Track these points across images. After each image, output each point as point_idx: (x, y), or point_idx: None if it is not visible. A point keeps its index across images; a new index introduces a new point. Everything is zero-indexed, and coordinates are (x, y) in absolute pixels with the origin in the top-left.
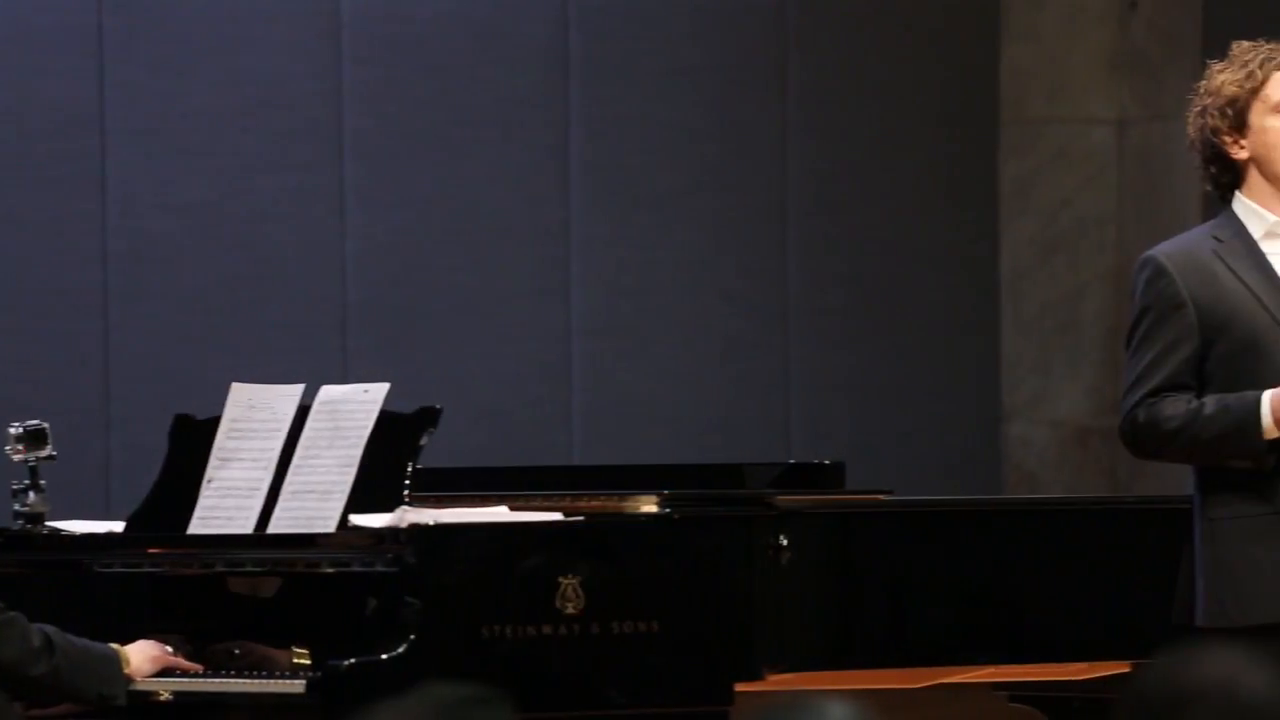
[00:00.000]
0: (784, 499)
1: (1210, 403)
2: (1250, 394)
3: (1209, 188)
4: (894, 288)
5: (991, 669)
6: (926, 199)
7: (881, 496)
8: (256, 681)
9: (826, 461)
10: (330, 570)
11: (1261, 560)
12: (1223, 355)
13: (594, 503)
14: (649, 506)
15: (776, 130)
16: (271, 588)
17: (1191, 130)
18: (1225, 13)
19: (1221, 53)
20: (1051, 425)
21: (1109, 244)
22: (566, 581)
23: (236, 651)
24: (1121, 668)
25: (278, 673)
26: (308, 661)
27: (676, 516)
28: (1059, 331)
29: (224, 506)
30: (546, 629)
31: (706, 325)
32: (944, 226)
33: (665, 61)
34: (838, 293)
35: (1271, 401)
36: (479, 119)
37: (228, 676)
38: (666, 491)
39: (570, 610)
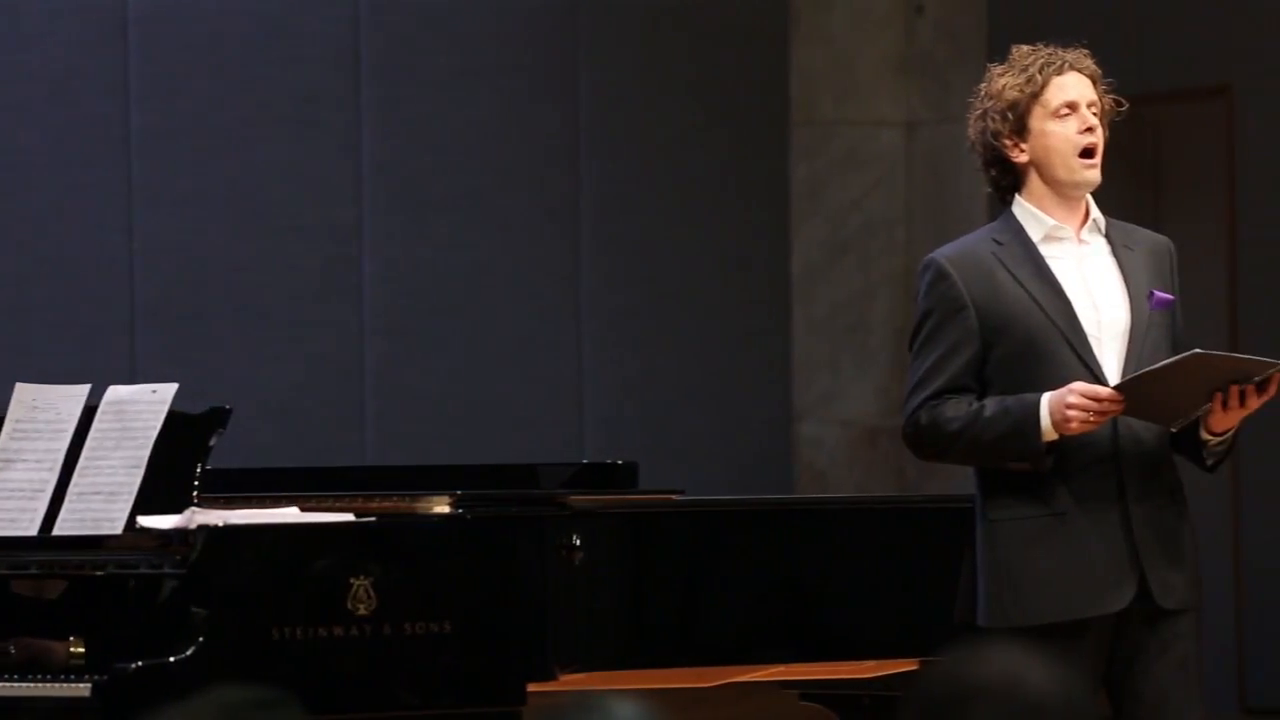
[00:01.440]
0: (577, 499)
1: (991, 405)
2: (1030, 396)
3: (988, 190)
4: (686, 288)
5: (782, 667)
6: (718, 200)
7: (674, 496)
8: (41, 685)
9: (619, 462)
10: (117, 572)
11: (1040, 561)
12: (1003, 358)
13: (386, 503)
14: (441, 507)
15: (569, 131)
16: (57, 590)
17: (972, 133)
18: (1010, 16)
19: (1007, 55)
20: (841, 425)
21: (898, 245)
22: (358, 582)
23: (12, 650)
24: (910, 665)
25: (62, 676)
26: (81, 650)
27: (469, 517)
28: (849, 332)
29: (7, 508)
30: (338, 630)
31: (499, 325)
32: (735, 228)
33: (457, 61)
34: (630, 293)
35: (1050, 404)
36: (269, 117)
37: (10, 681)
38: (459, 492)
39: (362, 611)
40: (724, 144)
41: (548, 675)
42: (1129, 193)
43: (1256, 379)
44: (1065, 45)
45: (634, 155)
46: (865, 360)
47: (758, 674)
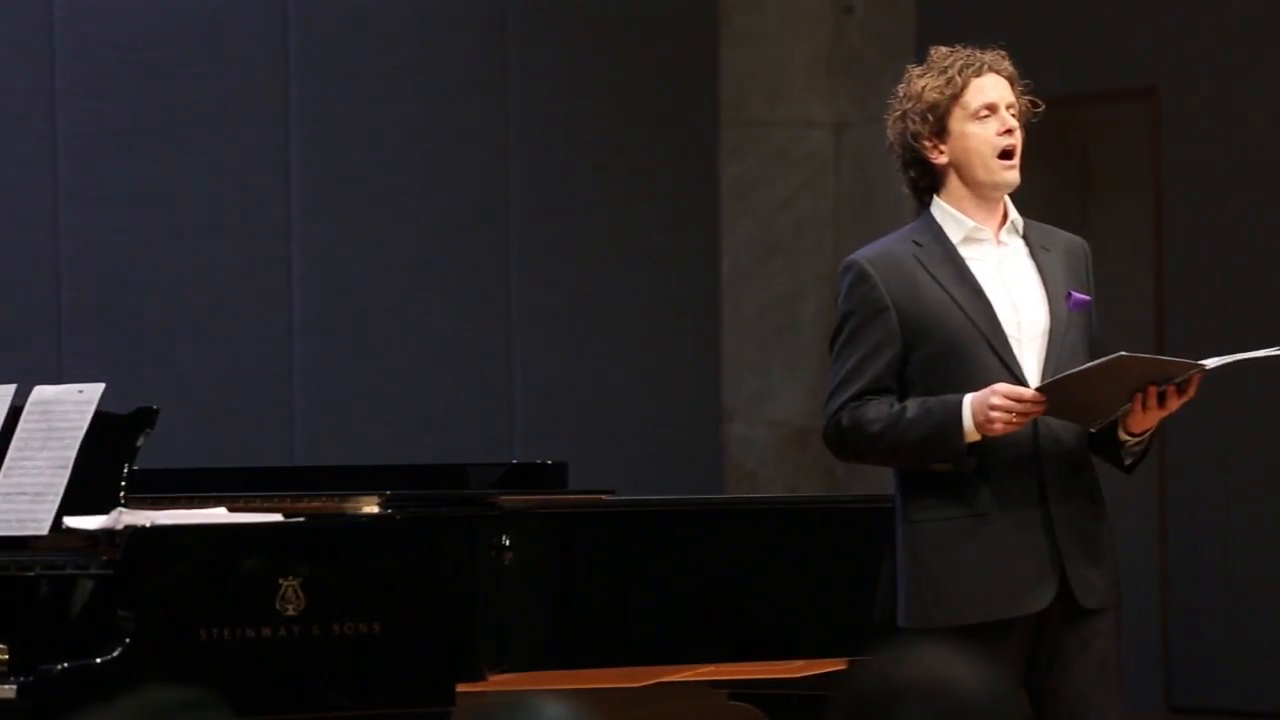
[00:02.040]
0: (507, 499)
1: (912, 406)
2: (951, 397)
3: (906, 191)
4: (616, 288)
5: (711, 667)
6: (648, 200)
7: (604, 496)
8: None
9: (549, 462)
10: (44, 573)
11: (961, 562)
12: (924, 359)
13: (315, 504)
14: (371, 507)
15: (499, 130)
16: None
17: (891, 134)
18: (938, 17)
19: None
20: (771, 425)
21: (827, 245)
22: (287, 583)
23: None
24: (838, 665)
25: None
26: (6, 657)
27: (398, 517)
28: (778, 332)
29: None
30: (266, 631)
31: (429, 325)
32: (665, 228)
33: (386, 60)
34: (560, 293)
35: (972, 405)
36: (197, 117)
37: None
38: (389, 492)
39: (290, 612)
40: (653, 144)
41: (477, 675)
42: (1056, 193)
43: (1177, 380)
44: (985, 47)
45: (563, 155)
46: (795, 360)
47: (687, 674)
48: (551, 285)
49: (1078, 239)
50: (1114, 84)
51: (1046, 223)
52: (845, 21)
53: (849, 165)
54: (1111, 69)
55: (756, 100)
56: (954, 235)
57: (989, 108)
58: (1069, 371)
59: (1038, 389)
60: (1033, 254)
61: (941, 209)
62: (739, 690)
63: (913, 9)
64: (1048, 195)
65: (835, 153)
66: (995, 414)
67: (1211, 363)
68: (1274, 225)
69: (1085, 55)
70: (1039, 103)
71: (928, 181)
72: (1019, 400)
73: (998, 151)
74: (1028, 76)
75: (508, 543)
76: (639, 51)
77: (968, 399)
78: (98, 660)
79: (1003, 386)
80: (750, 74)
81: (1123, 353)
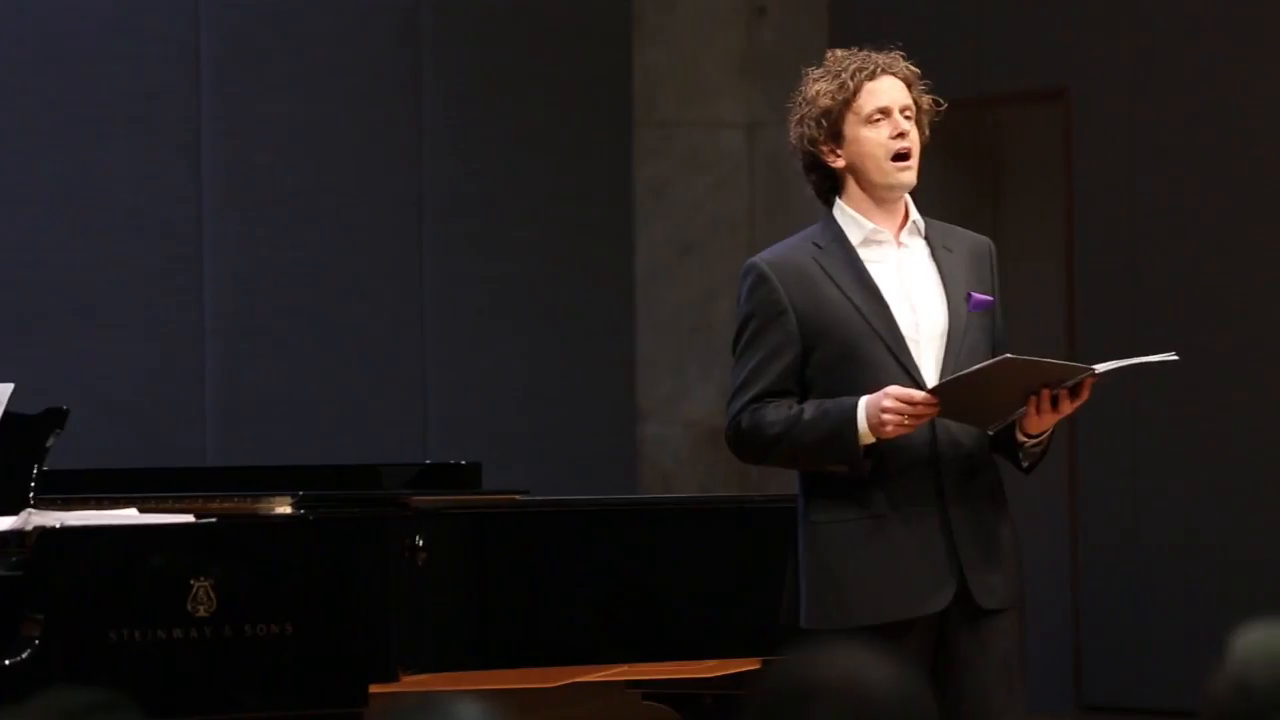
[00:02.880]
0: (420, 500)
1: (810, 408)
2: (847, 400)
3: (811, 193)
4: (530, 289)
5: (625, 667)
6: (562, 200)
7: (518, 497)
8: None
9: (463, 462)
10: None
11: (860, 564)
12: (822, 362)
13: (227, 504)
14: (283, 508)
15: (412, 130)
16: None
17: (792, 138)
18: (851, 18)
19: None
20: (685, 425)
21: (741, 245)
22: (198, 584)
23: None
24: (752, 665)
25: None
26: None
27: (311, 518)
28: (692, 332)
29: None
30: (177, 632)
31: (342, 326)
32: (579, 228)
33: (298, 60)
34: (474, 293)
35: (867, 408)
36: (107, 115)
37: None
38: (301, 493)
39: (202, 613)
40: (567, 144)
41: (390, 676)
42: (968, 194)
43: (1068, 383)
44: (892, 48)
45: (477, 155)
46: (709, 360)
47: (601, 674)
48: (466, 285)
49: (983, 239)
50: (1025, 85)
51: (957, 224)
52: (758, 22)
53: (763, 165)
54: (1023, 70)
55: (670, 100)
56: (854, 237)
57: (882, 111)
58: (959, 373)
59: (930, 391)
60: (934, 255)
61: (842, 211)
62: (653, 690)
63: (825, 10)
64: (959, 196)
65: (749, 152)
66: (887, 416)
67: (1102, 367)
68: (1183, 227)
69: (997, 56)
70: (941, 102)
71: (829, 184)
72: (911, 402)
73: (891, 155)
74: (939, 78)
75: (421, 543)
76: (553, 52)
77: (862, 401)
78: (6, 662)
79: (895, 389)
80: (664, 74)
81: (1009, 354)
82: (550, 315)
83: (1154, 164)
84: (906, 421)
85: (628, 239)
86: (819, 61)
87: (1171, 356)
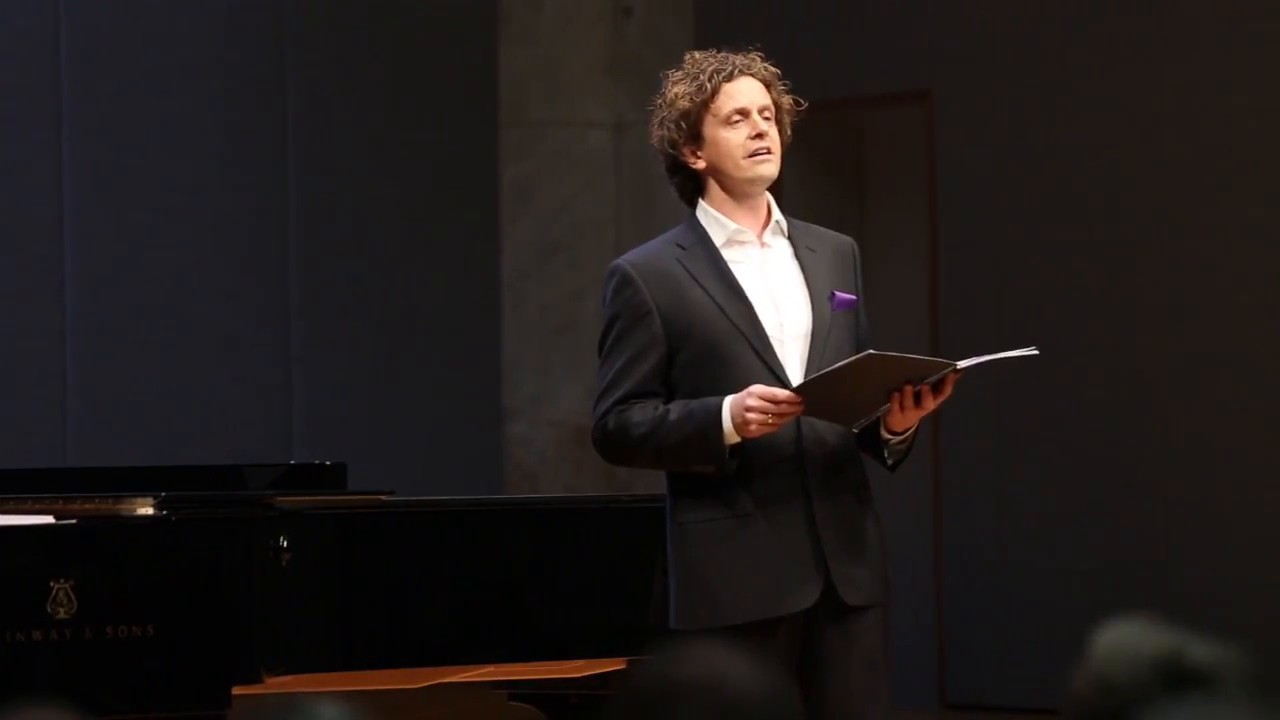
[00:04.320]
0: (285, 500)
1: (675, 409)
2: (712, 400)
3: (675, 195)
4: (396, 289)
5: (491, 668)
6: (428, 200)
7: (383, 497)
8: None
9: (328, 462)
10: None
11: (727, 563)
12: (687, 362)
13: (88, 505)
14: (145, 509)
15: (277, 128)
16: None
17: (654, 140)
18: (716, 19)
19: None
20: (551, 425)
21: (607, 245)
22: (58, 585)
23: None
24: (618, 665)
25: None
26: None
27: (174, 519)
28: (559, 332)
29: None
30: (37, 634)
31: (206, 325)
32: (445, 228)
33: (160, 57)
34: (340, 293)
35: (731, 407)
36: None
37: None
38: (163, 493)
39: (62, 615)
40: (433, 144)
41: (254, 678)
42: (833, 194)
43: (931, 380)
44: (753, 50)
45: (342, 154)
46: (575, 361)
47: (467, 675)
48: (331, 285)
49: (846, 238)
50: (889, 87)
51: (822, 224)
52: (624, 23)
53: (629, 165)
54: (887, 72)
55: (536, 101)
56: (717, 238)
57: (740, 112)
58: (823, 371)
59: (794, 389)
60: (797, 254)
61: (705, 212)
62: (519, 690)
63: (691, 11)
64: (823, 197)
65: (615, 153)
66: (751, 415)
67: (964, 363)
68: (1046, 226)
69: (861, 58)
70: (801, 102)
71: (692, 186)
72: (774, 401)
73: (748, 155)
74: (804, 80)
75: (285, 544)
76: (418, 52)
77: (727, 401)
78: None
79: (759, 388)
80: (530, 74)
81: (871, 351)
82: (416, 315)
83: (1016, 165)
84: (771, 420)
85: (494, 239)
86: (684, 63)
87: (1032, 351)
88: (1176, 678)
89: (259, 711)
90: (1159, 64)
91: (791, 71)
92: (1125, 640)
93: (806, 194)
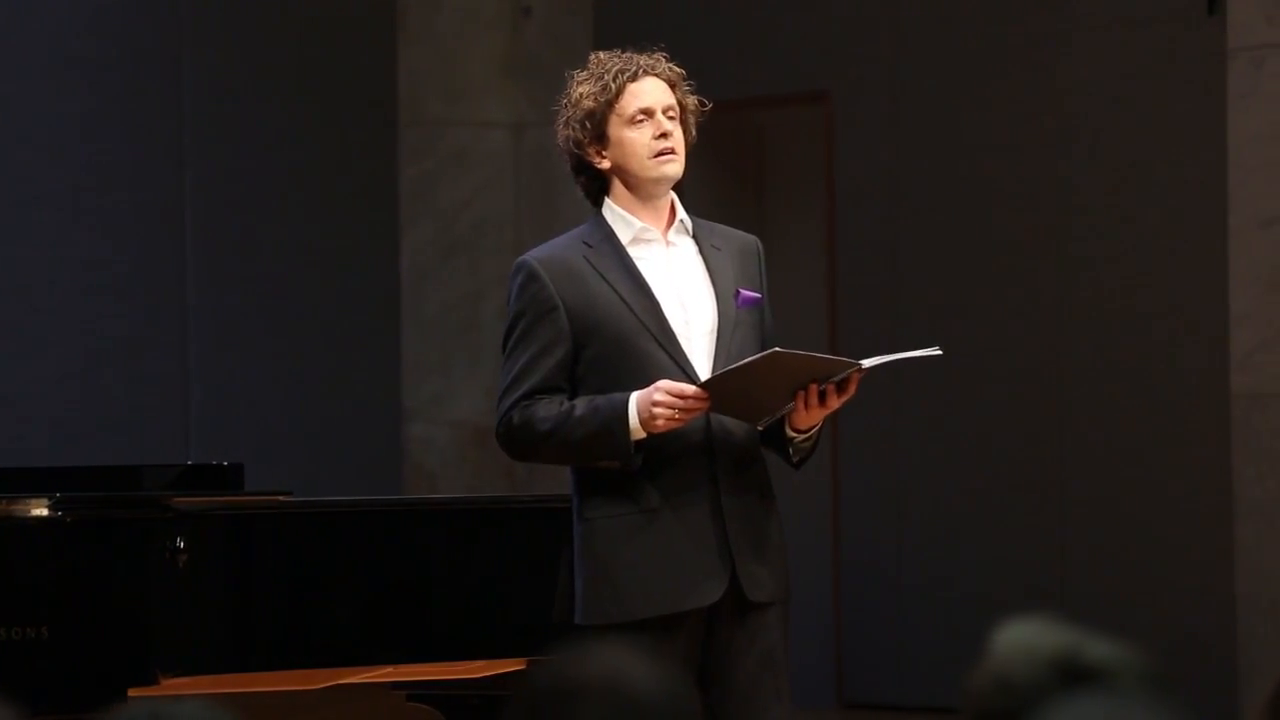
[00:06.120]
0: (182, 501)
1: (581, 405)
2: (618, 395)
3: (578, 194)
4: (295, 288)
5: (390, 668)
6: (326, 200)
7: (282, 498)
8: None
9: (225, 463)
10: None
11: (633, 558)
12: (594, 358)
13: None
14: (39, 510)
15: (173, 127)
16: None
17: (559, 140)
18: (616, 19)
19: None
20: (451, 425)
21: (507, 245)
22: None
23: None
24: (518, 665)
25: None
26: None
27: (68, 520)
28: (459, 332)
29: None
30: None
31: (102, 324)
32: (344, 228)
33: (56, 53)
34: (238, 293)
35: (638, 403)
36: None
37: None
38: (58, 494)
39: None
40: (332, 143)
41: (150, 680)
42: (732, 194)
43: (835, 378)
44: (654, 50)
45: (240, 153)
46: (475, 360)
47: (365, 675)
48: (228, 285)
49: (750, 237)
50: (788, 88)
51: (722, 223)
52: (524, 23)
53: (528, 165)
54: (785, 73)
55: (435, 100)
56: (623, 236)
57: (645, 112)
58: (728, 368)
59: (700, 385)
60: (702, 253)
61: (611, 210)
62: (418, 691)
63: (590, 11)
64: (723, 196)
65: (515, 153)
66: (658, 410)
67: (869, 362)
68: (942, 227)
69: (760, 59)
70: (706, 102)
71: (597, 185)
72: (681, 396)
73: (652, 155)
74: (704, 80)
75: (182, 545)
76: (316, 50)
77: (634, 396)
78: None
79: (665, 383)
80: (428, 74)
81: (777, 349)
82: (314, 315)
83: (914, 165)
84: (678, 416)
85: (393, 239)
86: (584, 63)
87: (936, 351)
88: (1074, 676)
89: (118, 714)
90: (1056, 65)
91: (691, 72)
92: (1024, 639)
93: (706, 193)
